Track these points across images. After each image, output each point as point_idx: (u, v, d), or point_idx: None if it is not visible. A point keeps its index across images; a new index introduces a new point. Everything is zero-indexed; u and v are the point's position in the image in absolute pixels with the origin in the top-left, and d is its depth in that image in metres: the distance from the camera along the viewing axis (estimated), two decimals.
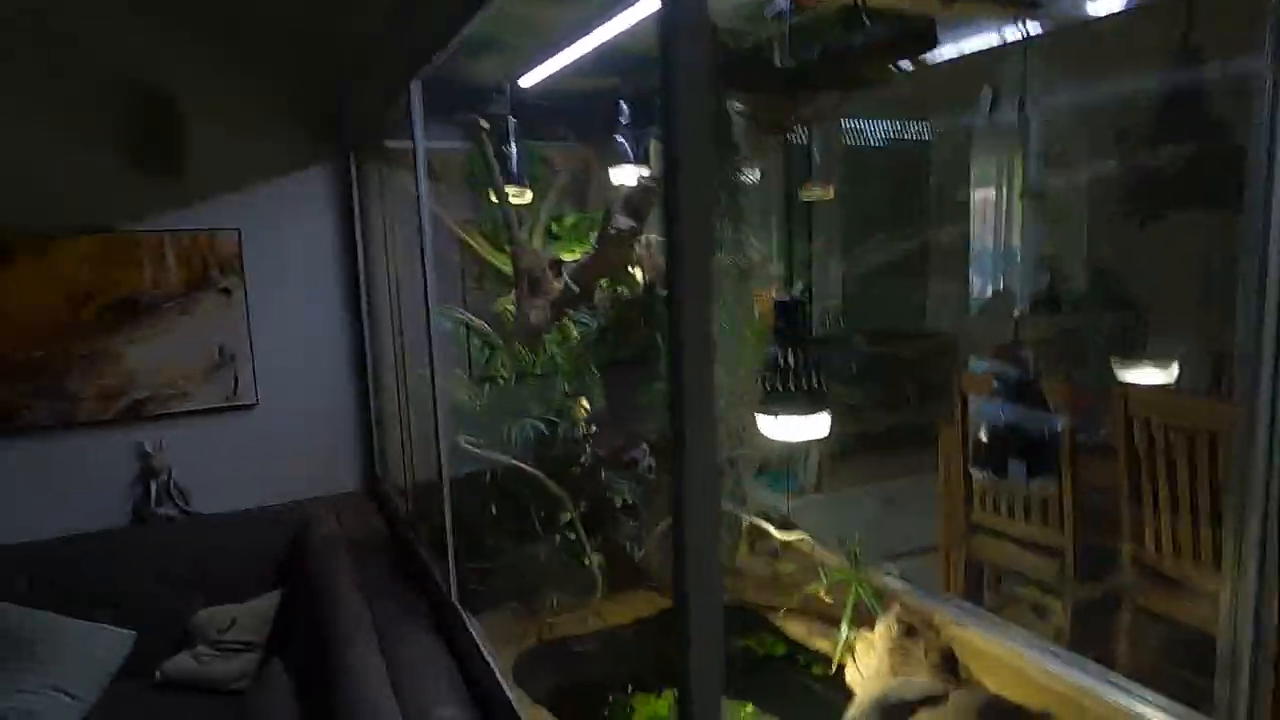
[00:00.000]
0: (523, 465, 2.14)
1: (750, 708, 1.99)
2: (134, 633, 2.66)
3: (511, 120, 2.76)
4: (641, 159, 2.85)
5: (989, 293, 4.35)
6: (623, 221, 2.05)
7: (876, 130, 4.40)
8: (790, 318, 1.64)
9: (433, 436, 2.08)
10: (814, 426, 1.68)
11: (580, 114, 3.11)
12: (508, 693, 1.74)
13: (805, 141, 2.76)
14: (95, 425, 2.87)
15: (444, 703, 1.79)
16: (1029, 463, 1.56)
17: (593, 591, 2.08)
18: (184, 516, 2.99)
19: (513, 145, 2.75)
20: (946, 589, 3.10)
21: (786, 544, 2.18)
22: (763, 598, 2.23)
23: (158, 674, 2.63)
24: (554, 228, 3.08)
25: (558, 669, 2.11)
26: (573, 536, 2.06)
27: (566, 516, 2.06)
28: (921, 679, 1.42)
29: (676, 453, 0.68)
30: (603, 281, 2.39)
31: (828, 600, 1.98)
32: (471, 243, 2.86)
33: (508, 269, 2.82)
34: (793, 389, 1.64)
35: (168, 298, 2.92)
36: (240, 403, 3.06)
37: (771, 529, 2.19)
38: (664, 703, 2.03)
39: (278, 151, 3.04)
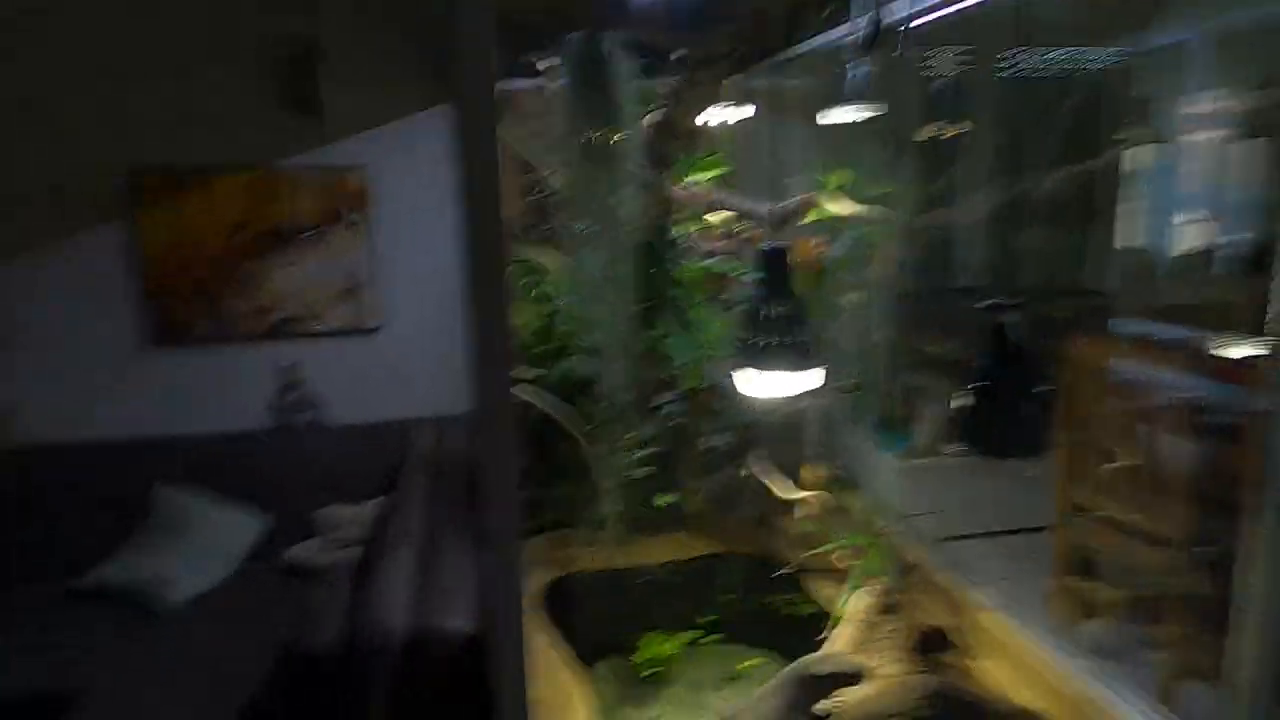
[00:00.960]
0: (549, 410, 2.18)
1: (757, 660, 1.96)
2: (265, 521, 3.05)
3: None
4: None
5: (1176, 246, 3.77)
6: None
7: (1040, 59, 3.89)
8: (774, 267, 1.54)
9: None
10: (801, 382, 1.59)
11: None
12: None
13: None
14: (245, 340, 3.27)
15: (457, 615, 1.92)
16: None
17: (613, 530, 2.12)
18: (316, 425, 3.36)
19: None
20: (1055, 575, 2.82)
21: (799, 501, 2.08)
22: (796, 556, 2.16)
23: (282, 559, 3.01)
24: None
25: (581, 601, 2.18)
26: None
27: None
28: (849, 656, 1.32)
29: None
30: None
31: (840, 566, 1.88)
32: None
33: None
34: (776, 343, 1.55)
35: (306, 229, 3.24)
36: (367, 326, 3.36)
37: (775, 488, 2.09)
38: (672, 644, 2.04)
39: (406, 91, 3.22)
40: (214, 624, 2.64)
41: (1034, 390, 1.79)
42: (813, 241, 2.09)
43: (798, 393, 1.61)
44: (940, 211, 3.86)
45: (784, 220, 2.07)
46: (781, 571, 2.04)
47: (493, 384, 0.71)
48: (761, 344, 1.56)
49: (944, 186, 3.94)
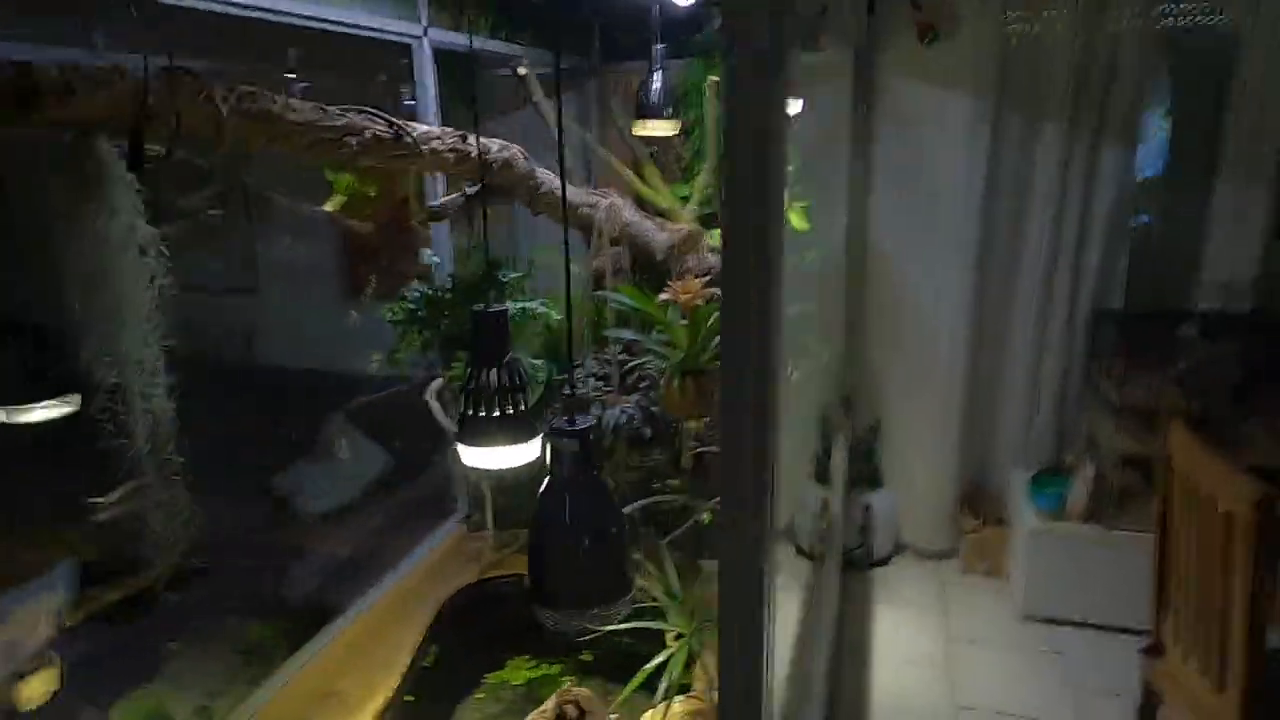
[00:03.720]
0: None
1: None
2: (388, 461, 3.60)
3: (658, 47, 2.58)
4: None
5: None
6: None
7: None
8: (487, 330, 1.45)
9: None
10: (517, 456, 1.49)
11: None
12: None
13: None
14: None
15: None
16: None
17: None
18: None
19: (655, 72, 2.58)
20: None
21: None
22: None
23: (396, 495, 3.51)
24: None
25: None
26: None
27: None
28: None
29: None
30: None
31: None
32: (624, 172, 2.82)
33: (660, 202, 2.74)
34: (489, 414, 1.48)
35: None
36: None
37: None
38: (525, 674, 2.06)
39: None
40: (332, 535, 3.22)
41: None
42: (698, 282, 1.82)
43: (521, 464, 1.51)
44: None
45: (670, 253, 1.84)
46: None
47: None
48: (475, 416, 1.49)
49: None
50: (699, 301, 1.77)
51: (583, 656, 2.06)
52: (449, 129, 1.53)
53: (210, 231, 2.95)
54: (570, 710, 1.49)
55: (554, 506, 1.15)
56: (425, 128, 1.43)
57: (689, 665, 1.69)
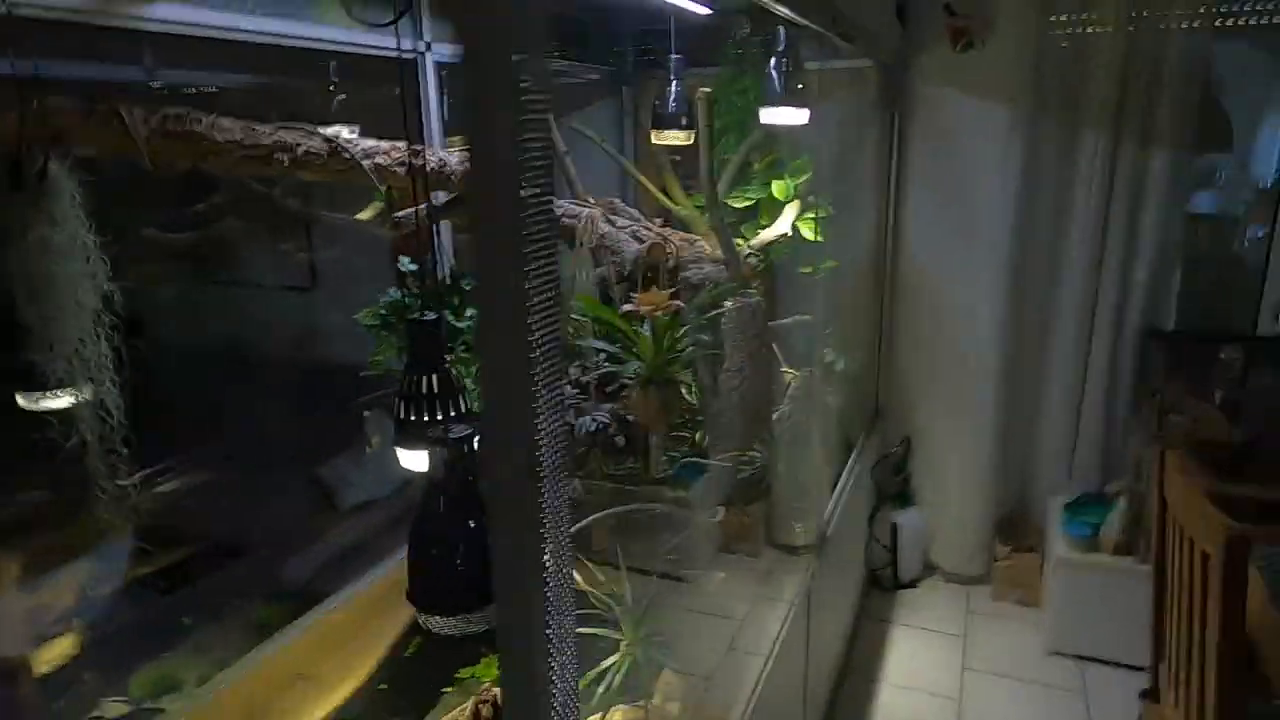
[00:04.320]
0: None
1: None
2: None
3: (675, 57, 2.60)
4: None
5: None
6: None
7: None
8: (421, 338, 1.51)
9: None
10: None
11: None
12: None
13: None
14: None
15: None
16: None
17: None
18: None
19: (671, 80, 2.60)
20: None
21: None
22: None
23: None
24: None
25: None
26: None
27: None
28: None
29: None
30: None
31: None
32: (645, 183, 2.84)
33: (680, 212, 2.75)
34: (422, 418, 1.55)
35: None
36: None
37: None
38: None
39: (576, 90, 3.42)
40: (353, 526, 3.39)
41: None
42: (663, 294, 1.82)
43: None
44: None
45: (636, 263, 1.86)
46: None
47: None
48: (410, 420, 1.56)
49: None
50: (660, 313, 1.78)
51: None
52: (400, 143, 1.60)
53: (273, 233, 3.15)
54: (484, 710, 1.53)
55: (432, 513, 1.19)
56: (372, 142, 1.50)
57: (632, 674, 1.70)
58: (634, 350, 1.84)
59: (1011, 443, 3.20)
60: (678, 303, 1.79)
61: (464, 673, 2.18)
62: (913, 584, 3.33)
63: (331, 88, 2.63)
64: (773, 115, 2.42)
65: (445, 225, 2.38)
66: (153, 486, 2.86)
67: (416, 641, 2.23)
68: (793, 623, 2.05)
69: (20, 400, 1.54)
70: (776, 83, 2.41)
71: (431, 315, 1.50)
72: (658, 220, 2.80)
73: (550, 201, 0.76)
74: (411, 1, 2.11)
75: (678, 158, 3.21)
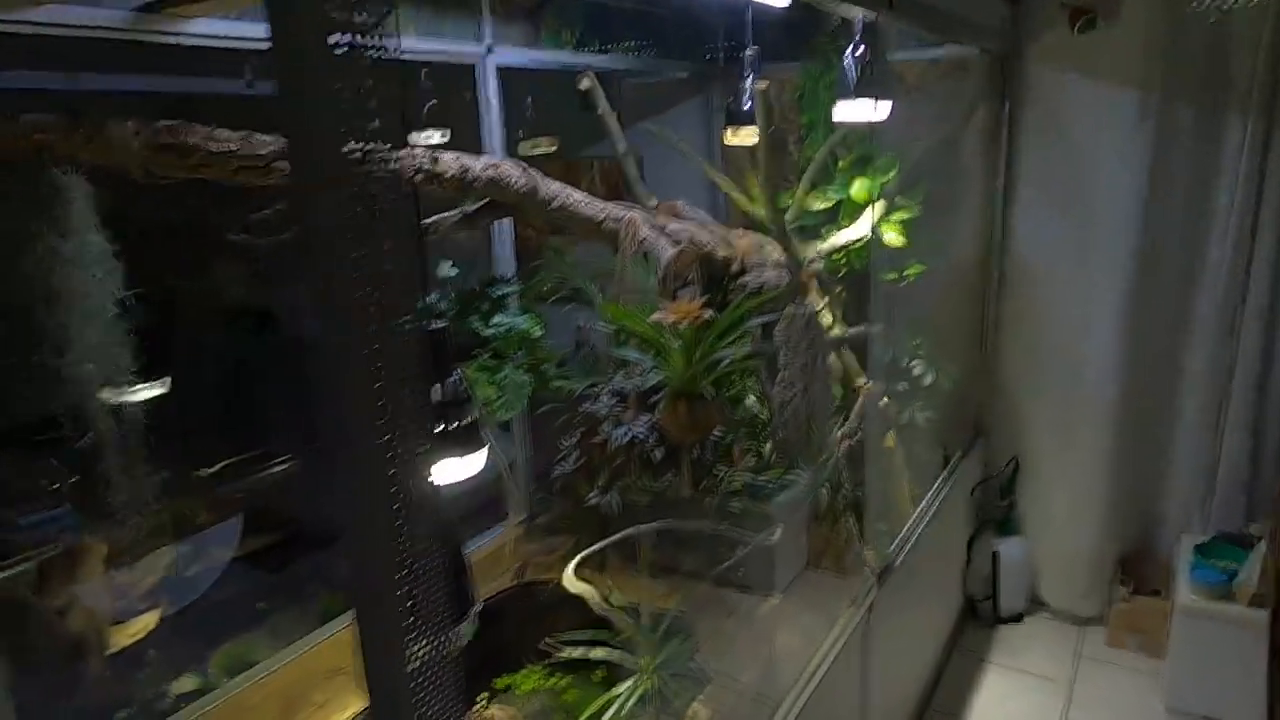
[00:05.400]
0: None
1: None
2: None
3: (749, 50, 2.48)
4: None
5: None
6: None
7: None
8: (431, 347, 1.50)
9: None
10: (464, 468, 1.53)
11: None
12: None
13: None
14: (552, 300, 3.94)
15: None
16: None
17: None
18: None
19: (747, 75, 2.48)
20: None
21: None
22: None
23: None
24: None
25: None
26: None
27: None
28: None
29: None
30: None
31: None
32: (722, 184, 2.73)
33: (756, 213, 2.63)
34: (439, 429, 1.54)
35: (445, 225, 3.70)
36: None
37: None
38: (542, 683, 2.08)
39: (663, 89, 3.33)
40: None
41: None
42: (695, 303, 1.71)
43: (465, 477, 1.55)
44: None
45: (667, 270, 1.75)
46: None
47: None
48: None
49: None
50: (688, 323, 1.68)
51: (594, 675, 2.05)
52: (420, 149, 1.58)
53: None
54: None
55: None
56: None
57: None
58: (667, 361, 1.75)
59: (1136, 472, 2.85)
60: (707, 313, 1.68)
61: (500, 681, 2.17)
62: (1015, 619, 3.04)
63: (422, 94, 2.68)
64: (847, 111, 2.26)
65: (501, 231, 2.38)
66: (255, 474, 3.03)
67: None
68: (844, 652, 1.90)
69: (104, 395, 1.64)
70: (851, 76, 2.24)
71: (440, 324, 1.48)
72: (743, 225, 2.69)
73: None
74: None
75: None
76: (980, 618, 3.07)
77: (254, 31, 1.62)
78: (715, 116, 3.27)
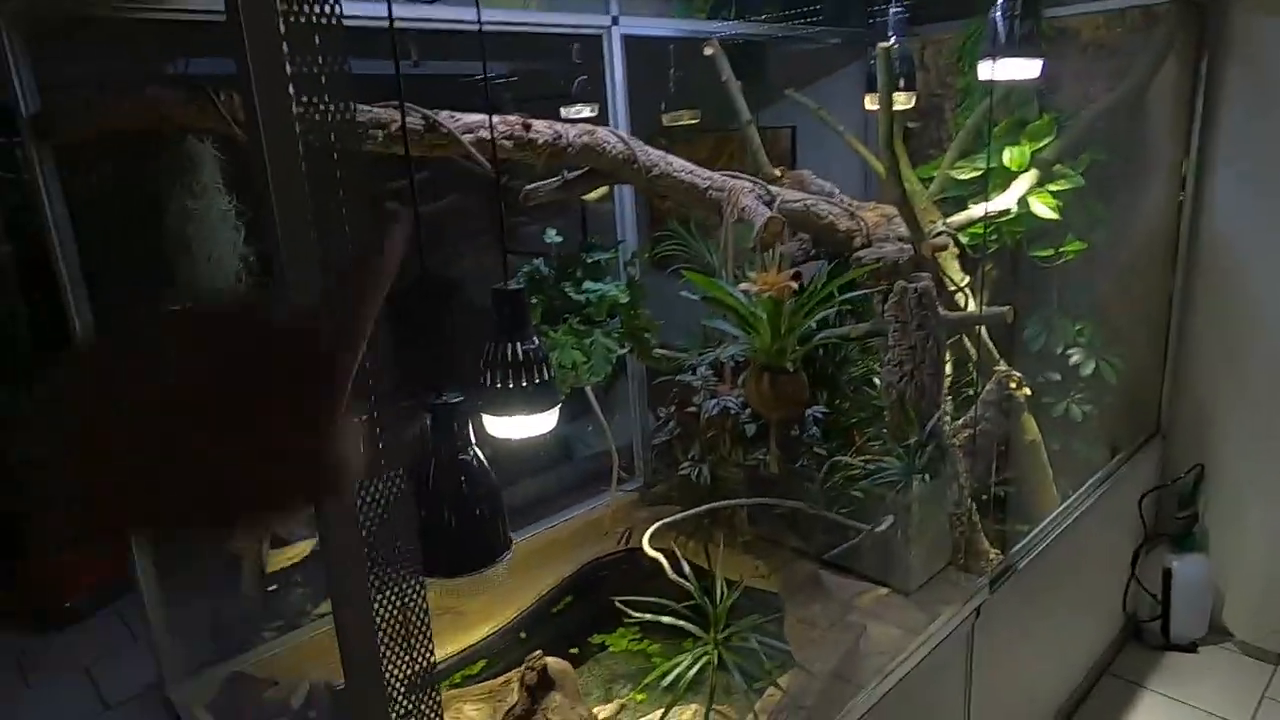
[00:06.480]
0: None
1: None
2: None
3: (894, 10, 2.33)
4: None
5: None
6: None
7: None
8: (509, 307, 1.57)
9: None
10: (537, 425, 1.60)
11: None
12: None
13: None
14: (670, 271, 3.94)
15: None
16: None
17: None
18: None
19: (890, 36, 2.33)
20: None
21: None
22: None
23: None
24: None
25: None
26: None
27: None
28: None
29: None
30: None
31: None
32: (862, 152, 2.58)
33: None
34: (507, 386, 1.63)
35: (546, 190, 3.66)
36: None
37: None
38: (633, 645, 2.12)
39: (817, 56, 3.20)
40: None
41: None
42: (782, 275, 1.62)
43: (537, 434, 1.61)
44: None
45: (756, 240, 1.68)
46: None
47: None
48: (494, 388, 1.63)
49: None
50: (777, 294, 1.63)
51: (685, 644, 2.06)
52: (512, 117, 1.63)
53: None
54: (530, 676, 1.54)
55: (423, 478, 1.24)
56: (476, 117, 1.55)
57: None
58: (756, 332, 1.71)
59: None
60: (793, 284, 1.61)
61: (595, 639, 2.24)
62: (1190, 647, 2.69)
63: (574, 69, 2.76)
64: (993, 69, 2.07)
65: (622, 199, 2.41)
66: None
67: (568, 600, 2.32)
68: (937, 656, 1.78)
69: None
70: (1000, 31, 2.04)
71: (517, 285, 1.54)
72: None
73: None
74: None
75: (912, 124, 2.90)
76: (1145, 640, 2.74)
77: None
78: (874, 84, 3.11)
